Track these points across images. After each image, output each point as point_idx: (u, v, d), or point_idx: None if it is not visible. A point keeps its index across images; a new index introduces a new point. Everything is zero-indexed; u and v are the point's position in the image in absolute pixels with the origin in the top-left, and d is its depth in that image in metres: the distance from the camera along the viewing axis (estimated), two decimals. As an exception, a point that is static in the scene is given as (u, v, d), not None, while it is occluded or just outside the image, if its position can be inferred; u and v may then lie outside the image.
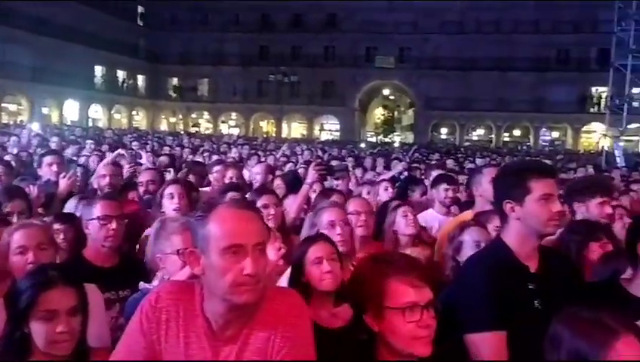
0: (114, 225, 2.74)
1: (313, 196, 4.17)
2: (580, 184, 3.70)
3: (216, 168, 5.28)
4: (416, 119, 44.39)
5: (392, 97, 49.16)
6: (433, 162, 11.52)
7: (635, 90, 20.02)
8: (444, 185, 4.46)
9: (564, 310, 1.49)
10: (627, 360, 1.31)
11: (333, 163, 8.68)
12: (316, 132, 46.02)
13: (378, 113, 51.41)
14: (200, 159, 8.88)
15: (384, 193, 4.53)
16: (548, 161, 10.17)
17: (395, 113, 51.27)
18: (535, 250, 2.07)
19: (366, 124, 49.01)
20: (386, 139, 44.51)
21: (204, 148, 11.82)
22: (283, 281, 2.41)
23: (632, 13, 18.65)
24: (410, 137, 44.47)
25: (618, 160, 17.66)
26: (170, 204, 3.47)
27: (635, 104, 20.32)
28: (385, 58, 42.56)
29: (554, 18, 38.42)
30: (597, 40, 33.45)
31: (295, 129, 46.34)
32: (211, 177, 5.23)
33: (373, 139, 43.27)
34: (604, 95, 30.95)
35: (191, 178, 5.60)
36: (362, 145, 28.08)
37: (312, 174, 3.99)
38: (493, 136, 42.93)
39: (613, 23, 20.51)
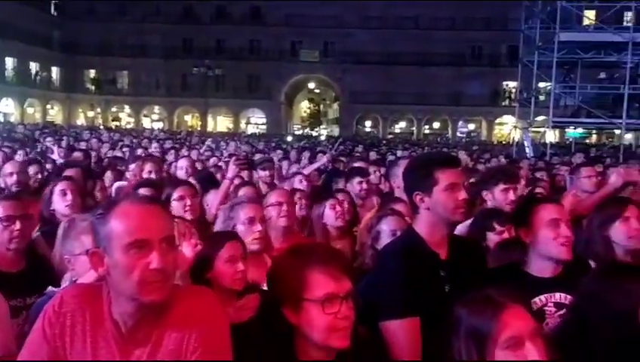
0: (17, 225, 2.56)
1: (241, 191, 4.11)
2: (486, 173, 3.91)
3: (134, 163, 5.13)
4: (342, 113, 45.02)
5: (317, 91, 49.54)
6: (357, 154, 11.78)
7: (541, 85, 21.20)
8: (357, 178, 4.57)
9: (466, 294, 1.57)
10: (516, 327, 1.41)
11: (258, 156, 8.66)
12: (242, 125, 45.55)
13: (304, 107, 51.67)
14: (120, 154, 8.58)
15: (299, 186, 4.59)
16: (464, 152, 10.69)
17: (321, 107, 51.71)
18: (445, 238, 2.14)
19: (292, 117, 49.11)
20: (313, 133, 44.84)
21: (124, 143, 11.42)
22: None
23: (537, 11, 19.76)
24: (336, 130, 45.04)
25: (527, 150, 18.79)
26: (61, 201, 3.28)
27: (541, 97, 21.51)
28: (310, 52, 42.78)
29: (468, 15, 40.23)
30: (507, 37, 35.19)
31: (221, 123, 45.64)
32: (128, 173, 5.08)
33: (300, 133, 43.45)
34: (514, 89, 32.73)
35: (109, 174, 5.43)
36: (289, 138, 28.10)
37: (232, 169, 3.99)
38: (414, 128, 44.44)
39: (521, 21, 21.69)
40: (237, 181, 4.37)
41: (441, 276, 2.07)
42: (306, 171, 6.24)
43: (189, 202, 3.36)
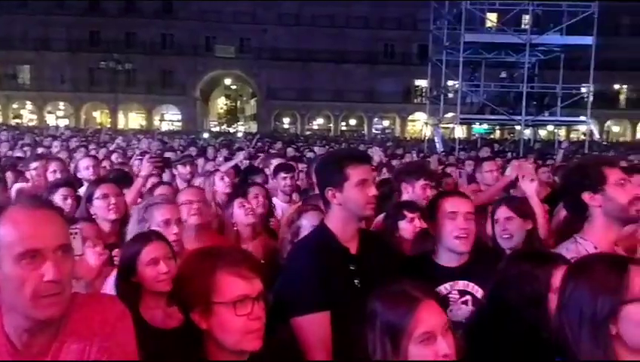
0: None
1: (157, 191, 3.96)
2: (407, 167, 4.07)
3: (35, 163, 4.81)
4: (259, 109, 44.78)
5: (234, 87, 48.95)
6: (274, 151, 11.77)
7: (449, 83, 22.30)
8: (282, 174, 4.59)
9: (380, 287, 1.59)
10: (430, 322, 1.44)
11: (170, 154, 8.42)
12: (156, 122, 44.03)
13: (221, 103, 50.87)
14: (20, 154, 8.03)
15: (220, 183, 4.55)
16: (379, 148, 10.98)
17: (238, 103, 51.17)
18: (355, 233, 2.18)
19: (208, 113, 48.16)
20: (230, 129, 44.25)
21: (24, 142, 10.68)
22: (110, 283, 2.26)
23: (444, 13, 20.77)
24: (253, 127, 44.75)
25: (438, 146, 19.68)
26: None
27: (450, 95, 22.62)
28: (225, 48, 42.14)
29: (381, 15, 41.41)
30: (417, 37, 36.60)
31: (133, 120, 43.82)
32: (28, 174, 4.76)
33: (217, 129, 42.72)
34: (425, 87, 34.07)
35: (9, 175, 5.06)
36: (205, 135, 27.56)
37: (146, 166, 3.86)
38: (331, 125, 45.10)
39: (429, 22, 22.64)
40: (153, 180, 4.24)
41: (351, 270, 2.11)
42: (222, 168, 6.16)
43: (113, 201, 3.21)
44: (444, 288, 2.28)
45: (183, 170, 5.36)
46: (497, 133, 35.52)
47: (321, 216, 2.78)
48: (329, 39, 41.25)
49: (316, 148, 14.02)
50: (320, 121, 46.75)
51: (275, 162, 5.76)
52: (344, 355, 1.76)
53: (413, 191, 3.53)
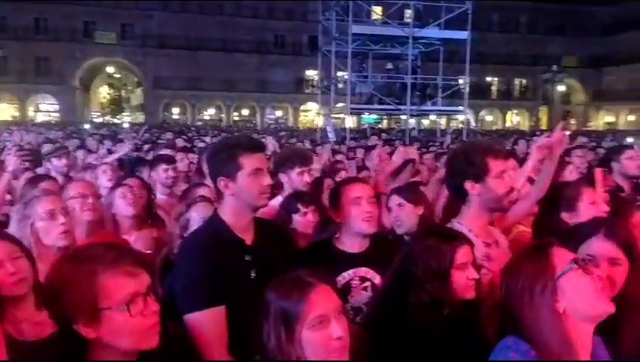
0: None
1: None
2: (282, 156, 3.99)
3: None
4: (146, 99, 42.80)
5: (117, 75, 46.26)
6: (163, 141, 11.36)
7: (339, 74, 22.78)
8: (162, 166, 4.41)
9: (276, 277, 1.57)
10: (323, 306, 1.46)
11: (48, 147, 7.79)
12: (31, 113, 40.55)
13: (103, 92, 47.84)
14: None
15: (103, 176, 4.27)
16: (272, 137, 10.97)
17: (123, 92, 48.46)
18: (250, 223, 2.12)
19: (90, 103, 45.19)
20: (115, 120, 41.89)
21: None
22: None
23: (333, 4, 21.14)
24: (140, 118, 42.71)
25: (330, 135, 20.08)
26: None
27: (340, 85, 23.14)
28: (106, 34, 39.75)
29: (270, 5, 41.27)
30: (307, 28, 36.94)
31: (4, 111, 39.91)
32: None
33: (101, 120, 40.25)
34: (315, 77, 34.57)
35: None
36: (86, 126, 25.92)
37: (13, 161, 3.55)
38: (223, 115, 44.33)
39: (319, 13, 22.93)
40: (27, 175, 3.90)
41: (247, 261, 2.05)
42: (106, 161, 5.81)
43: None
44: (347, 274, 2.30)
45: (57, 163, 4.98)
46: (385, 123, 37.06)
47: (210, 208, 2.72)
48: (218, 27, 40.38)
49: (207, 139, 13.74)
50: (211, 111, 45.74)
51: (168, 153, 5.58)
52: (241, 349, 1.70)
53: (291, 179, 3.46)
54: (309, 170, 3.54)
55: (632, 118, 46.07)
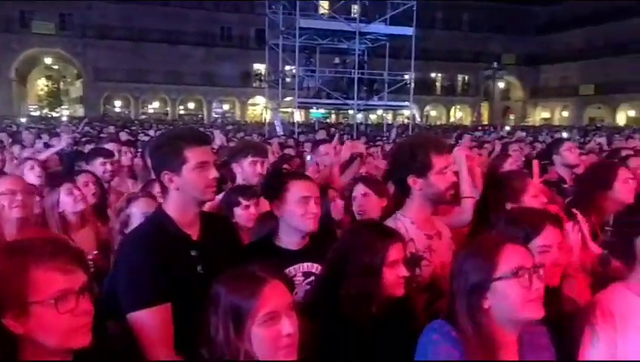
0: None
1: None
2: (236, 146, 3.98)
3: None
4: (86, 91, 41.18)
5: (56, 67, 44.27)
6: (104, 135, 10.99)
7: (287, 68, 22.71)
8: (100, 160, 4.28)
9: (224, 271, 1.54)
10: (274, 302, 1.44)
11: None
12: (-39, 106, 38.23)
13: (41, 84, 45.69)
14: None
15: (30, 173, 4.07)
16: (219, 131, 10.82)
17: (62, 84, 46.44)
18: (196, 218, 2.07)
19: (27, 96, 43.06)
20: (53, 113, 40.12)
21: None
22: None
23: (280, -3, 21.08)
24: (80, 111, 41.07)
25: (278, 129, 20.01)
26: None
27: (287, 80, 23.06)
28: (44, 24, 37.94)
29: (217, -4, 40.59)
30: (255, 20, 36.50)
31: None
32: None
33: (38, 113, 38.44)
34: (263, 71, 34.31)
35: None
36: (23, 119, 24.73)
37: None
38: (169, 108, 43.30)
39: (265, 6, 22.74)
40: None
41: (193, 257, 2.01)
42: (42, 156, 5.57)
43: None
44: (288, 271, 2.25)
45: None
46: (333, 117, 37.27)
47: (152, 203, 2.67)
48: (163, 18, 39.33)
49: (152, 133, 13.41)
50: (156, 104, 44.57)
51: (109, 147, 5.39)
52: (187, 347, 1.65)
53: (242, 169, 3.44)
54: (262, 161, 3.50)
55: (565, 113, 48.37)
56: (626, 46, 40.81)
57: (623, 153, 5.46)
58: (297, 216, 2.24)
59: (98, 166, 4.22)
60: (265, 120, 26.31)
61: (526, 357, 1.59)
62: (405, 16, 21.50)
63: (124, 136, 10.36)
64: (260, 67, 38.85)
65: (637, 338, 1.71)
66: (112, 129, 15.20)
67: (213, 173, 2.03)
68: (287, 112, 23.79)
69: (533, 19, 48.53)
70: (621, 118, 43.45)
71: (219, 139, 6.51)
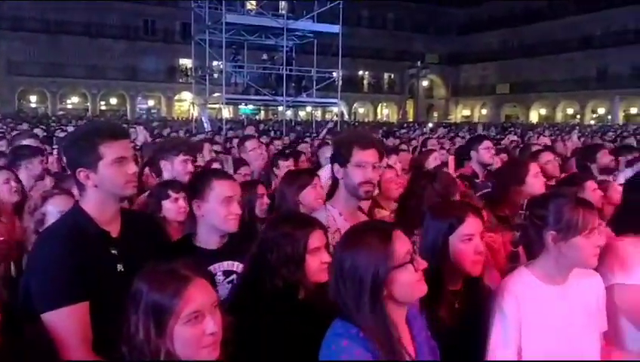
0: None
1: None
2: (166, 144, 3.93)
3: None
4: (-2, 86, 38.56)
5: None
6: (17, 132, 10.36)
7: (214, 63, 22.34)
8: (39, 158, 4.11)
9: (145, 268, 1.50)
10: (198, 301, 1.41)
11: None
12: None
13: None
14: None
15: None
16: (142, 127, 10.48)
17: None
18: (117, 214, 2.03)
19: None
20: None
21: None
22: None
23: (205, -9, 20.66)
24: (-9, 106, 38.38)
25: (205, 125, 19.68)
26: None
27: (215, 75, 22.68)
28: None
29: (141, -12, 39.13)
30: (180, 14, 35.50)
31: None
32: None
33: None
34: (190, 66, 33.53)
35: None
36: None
37: None
38: (89, 104, 41.33)
39: (191, -1, 22.28)
40: None
41: (113, 255, 1.96)
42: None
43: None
44: (210, 270, 2.23)
45: None
46: (263, 114, 37.08)
47: (69, 201, 2.59)
48: (82, 10, 37.41)
49: (70, 129, 12.79)
50: (75, 99, 42.38)
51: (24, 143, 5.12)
52: (107, 347, 1.60)
53: (173, 167, 3.41)
54: (193, 159, 3.49)
55: (484, 111, 50.84)
56: (536, 48, 43.48)
57: (534, 149, 5.88)
58: (220, 216, 2.22)
59: (37, 165, 4.03)
60: (192, 116, 25.74)
61: (413, 329, 1.66)
62: (332, 14, 21.76)
63: (39, 132, 9.82)
64: (186, 62, 37.90)
65: (538, 318, 1.87)
66: (25, 126, 14.36)
67: (133, 168, 1.99)
68: (214, 109, 23.42)
69: (454, 20, 50.57)
70: (534, 116, 46.23)
71: (142, 135, 6.35)
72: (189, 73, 34.45)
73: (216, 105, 22.70)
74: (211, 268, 2.23)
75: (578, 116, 43.15)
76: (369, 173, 2.40)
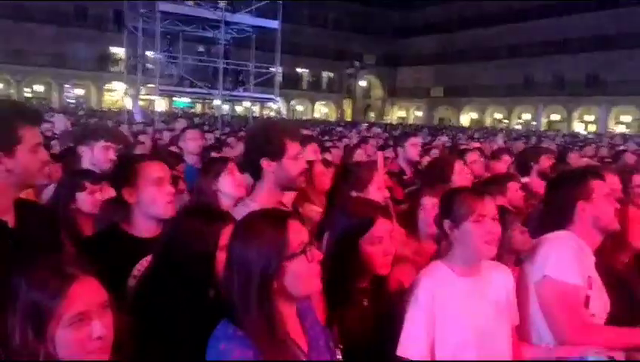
0: None
1: None
2: (86, 129, 3.74)
3: None
4: None
5: None
6: None
7: (148, 53, 21.63)
8: None
9: (22, 261, 1.35)
10: (84, 302, 1.29)
11: None
12: None
13: None
14: None
15: None
16: (62, 115, 9.97)
17: None
18: (12, 203, 1.88)
19: None
20: None
21: None
22: None
23: (139, -22, 19.96)
24: None
25: (137, 117, 19.06)
26: None
27: (148, 66, 21.99)
28: None
29: (70, -29, 37.26)
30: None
31: None
32: None
33: None
34: (122, 55, 32.34)
35: None
36: None
37: None
38: (12, 90, 38.92)
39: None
40: None
41: (9, 244, 1.81)
42: None
43: None
44: (145, 261, 2.09)
45: None
46: (199, 107, 36.30)
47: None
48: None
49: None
50: (-3, 85, 39.82)
51: None
52: None
53: (93, 154, 3.25)
54: (115, 147, 3.33)
55: (419, 113, 52.29)
56: (469, 54, 45.21)
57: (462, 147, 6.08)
58: (153, 199, 2.13)
59: None
60: (123, 107, 24.81)
61: (305, 322, 1.60)
62: (272, 10, 21.64)
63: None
64: (118, 51, 36.46)
65: (452, 310, 1.90)
66: None
67: (46, 155, 1.89)
68: (148, 100, 22.71)
69: (391, 22, 51.63)
70: (465, 120, 48.04)
71: (62, 123, 6.01)
72: (121, 62, 33.20)
73: (150, 97, 22.02)
74: (148, 258, 2.10)
75: (505, 121, 45.23)
76: (304, 164, 2.38)
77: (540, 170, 4.19)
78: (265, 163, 2.30)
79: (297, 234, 1.48)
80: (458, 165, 3.26)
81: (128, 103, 23.42)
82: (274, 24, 21.45)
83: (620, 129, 36.88)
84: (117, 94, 38.44)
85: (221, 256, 1.75)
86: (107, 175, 3.07)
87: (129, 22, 21.26)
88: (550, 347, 2.10)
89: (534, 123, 41.66)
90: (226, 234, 1.76)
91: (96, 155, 3.26)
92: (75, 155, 3.42)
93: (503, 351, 1.96)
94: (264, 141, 2.32)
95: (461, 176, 3.24)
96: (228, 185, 2.92)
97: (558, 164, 4.54)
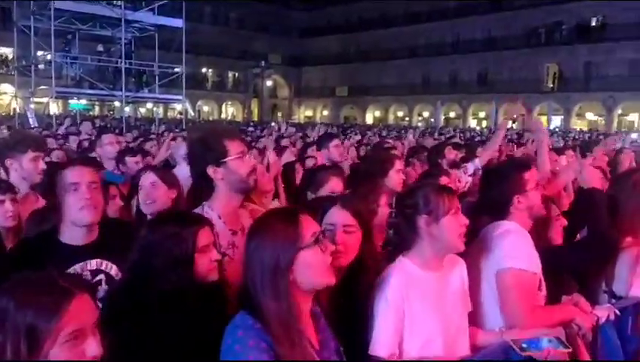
0: None
1: None
2: (11, 139, 3.46)
3: None
4: None
5: None
6: None
7: (40, 53, 20.19)
8: None
9: (11, 279, 1.27)
10: (80, 319, 1.24)
11: None
12: None
13: None
14: None
15: None
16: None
17: None
18: None
19: None
20: None
21: None
22: None
23: (29, -27, 18.57)
24: None
25: (31, 121, 17.74)
26: None
27: (41, 66, 20.48)
28: None
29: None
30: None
31: None
32: None
33: None
34: (10, 55, 29.88)
35: None
36: None
37: None
38: None
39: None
40: None
41: None
42: None
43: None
44: (74, 269, 2.08)
45: None
46: (97, 110, 34.39)
47: None
48: None
49: None
50: None
51: None
52: None
53: (22, 166, 3.05)
54: (43, 156, 3.17)
55: (325, 112, 53.17)
56: (371, 54, 46.71)
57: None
58: (69, 206, 2.09)
59: None
60: (14, 111, 22.93)
61: (317, 324, 1.64)
62: (173, 8, 21.03)
63: None
64: (5, 51, 33.53)
65: (420, 304, 1.98)
66: None
67: None
68: (41, 103, 21.15)
69: (295, 22, 52.02)
70: (369, 118, 49.59)
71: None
72: (9, 63, 30.61)
73: (44, 99, 20.55)
74: (77, 266, 2.08)
75: (407, 118, 47.26)
76: (250, 162, 2.34)
77: (449, 162, 4.61)
78: (211, 170, 2.22)
79: (309, 225, 1.56)
80: (398, 163, 3.41)
81: (19, 107, 21.72)
82: (177, 22, 20.88)
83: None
84: (6, 97, 35.33)
85: (199, 259, 1.76)
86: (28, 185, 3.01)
87: (19, 20, 19.68)
88: (500, 331, 2.22)
89: (433, 120, 43.87)
90: (203, 235, 1.78)
91: (25, 168, 3.05)
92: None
93: (464, 340, 2.07)
94: (204, 149, 2.24)
95: (398, 174, 3.38)
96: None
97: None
